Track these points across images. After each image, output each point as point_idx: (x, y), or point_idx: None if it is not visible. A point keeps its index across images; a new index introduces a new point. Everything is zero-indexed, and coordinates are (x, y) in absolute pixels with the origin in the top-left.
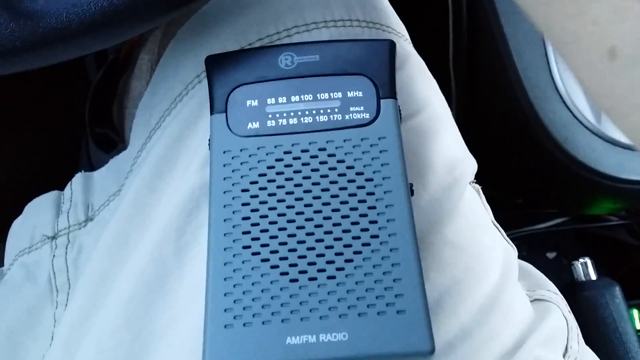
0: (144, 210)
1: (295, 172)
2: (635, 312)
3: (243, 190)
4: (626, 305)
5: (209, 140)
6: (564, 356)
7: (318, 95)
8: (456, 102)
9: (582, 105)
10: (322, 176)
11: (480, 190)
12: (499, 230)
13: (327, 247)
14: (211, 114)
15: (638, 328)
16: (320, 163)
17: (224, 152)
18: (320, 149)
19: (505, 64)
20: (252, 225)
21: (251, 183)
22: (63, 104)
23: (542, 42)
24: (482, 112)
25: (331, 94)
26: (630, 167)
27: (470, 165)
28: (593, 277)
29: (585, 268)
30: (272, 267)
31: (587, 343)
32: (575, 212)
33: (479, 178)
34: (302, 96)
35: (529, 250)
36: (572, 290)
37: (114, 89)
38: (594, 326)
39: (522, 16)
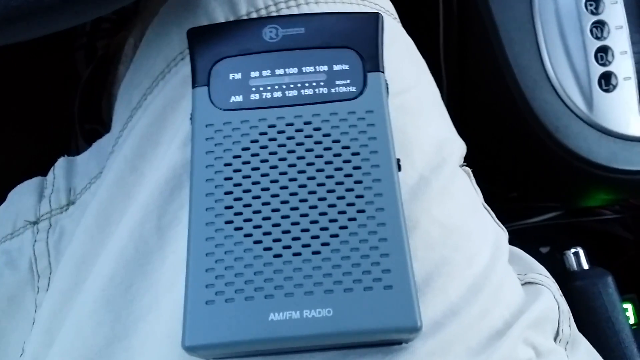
0: (125, 190)
1: (279, 145)
2: (628, 306)
3: (226, 165)
4: (619, 295)
5: (191, 114)
6: (555, 340)
7: (303, 68)
8: (447, 92)
9: (574, 94)
10: (307, 150)
11: (471, 173)
12: (489, 213)
13: (312, 222)
14: (193, 87)
15: (631, 322)
16: (306, 137)
17: (207, 126)
18: (305, 123)
19: (496, 52)
20: (235, 199)
21: (234, 157)
22: (53, 102)
23: (533, 29)
24: (473, 102)
25: (317, 67)
26: (622, 156)
27: (459, 146)
28: (585, 266)
29: (577, 258)
30: (256, 242)
31: (579, 332)
32: (567, 203)
33: (470, 168)
34: (286, 69)
35: (521, 245)
36: (564, 280)
37: (103, 84)
38: (587, 316)
39: (512, 3)
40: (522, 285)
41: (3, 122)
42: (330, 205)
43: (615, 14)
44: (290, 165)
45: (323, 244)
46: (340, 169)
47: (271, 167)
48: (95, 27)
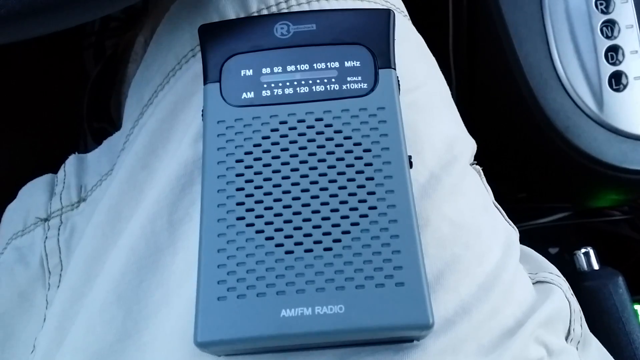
0: (136, 187)
1: (291, 142)
2: (638, 307)
3: (237, 161)
4: (630, 295)
5: (203, 110)
6: (566, 339)
7: (315, 64)
8: (456, 90)
9: (584, 93)
10: (318, 147)
11: (482, 171)
12: (500, 212)
13: (323, 219)
14: (204, 83)
15: None
16: (317, 133)
17: (218, 122)
18: (317, 119)
19: (506, 51)
20: (247, 196)
21: (246, 154)
22: (61, 100)
23: (543, 28)
24: (482, 101)
25: (328, 64)
26: (633, 157)
27: (469, 144)
28: (595, 267)
29: (587, 258)
30: (267, 238)
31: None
32: (577, 203)
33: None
34: (298, 66)
35: (530, 246)
36: (574, 280)
37: (112, 82)
38: (597, 316)
39: (523, 2)
40: (533, 284)
41: (12, 121)
42: (341, 202)
43: (625, 13)
44: (301, 162)
45: (335, 241)
46: (351, 165)
47: (282, 164)
48: (103, 26)
